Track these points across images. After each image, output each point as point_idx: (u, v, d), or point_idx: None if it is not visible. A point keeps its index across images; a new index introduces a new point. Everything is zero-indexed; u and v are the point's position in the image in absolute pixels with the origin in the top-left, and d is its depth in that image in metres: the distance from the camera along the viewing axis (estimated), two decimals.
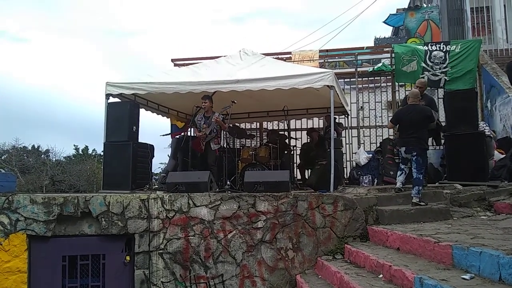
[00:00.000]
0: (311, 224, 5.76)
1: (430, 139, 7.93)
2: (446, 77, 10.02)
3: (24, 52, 74.71)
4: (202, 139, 7.86)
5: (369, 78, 11.64)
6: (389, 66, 11.06)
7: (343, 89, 10.14)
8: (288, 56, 11.75)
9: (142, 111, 8.72)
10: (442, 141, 8.34)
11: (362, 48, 12.08)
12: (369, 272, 4.32)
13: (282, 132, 11.18)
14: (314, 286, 4.75)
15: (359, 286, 3.70)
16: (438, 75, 10.10)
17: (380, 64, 11.36)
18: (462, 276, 3.12)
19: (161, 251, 5.83)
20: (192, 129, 11.12)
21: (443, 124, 8.12)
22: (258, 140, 12.19)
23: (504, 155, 8.01)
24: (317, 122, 11.43)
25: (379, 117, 11.48)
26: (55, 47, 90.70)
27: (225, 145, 8.44)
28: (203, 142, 7.86)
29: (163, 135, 11.12)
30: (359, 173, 9.80)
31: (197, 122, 8.13)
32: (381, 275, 4.00)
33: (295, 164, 10.77)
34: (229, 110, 7.77)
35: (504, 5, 13.30)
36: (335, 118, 8.11)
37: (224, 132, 8.08)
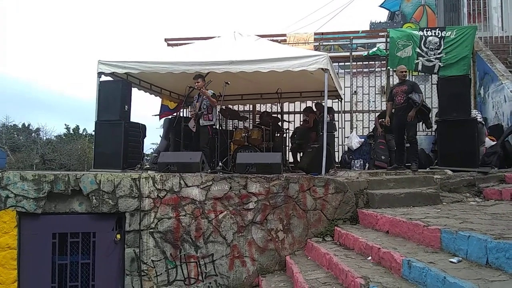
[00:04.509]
0: (301, 206, 5.79)
1: (420, 123, 8.01)
2: (440, 63, 10.04)
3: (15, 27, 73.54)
4: (194, 117, 7.86)
5: (364, 63, 11.63)
6: (384, 50, 11.06)
7: (337, 73, 10.13)
8: (283, 38, 11.70)
9: (134, 91, 8.65)
10: (434, 127, 8.40)
11: (358, 32, 12.03)
12: (358, 254, 4.35)
13: (275, 115, 11.17)
14: (303, 267, 4.78)
15: (348, 268, 3.72)
16: (432, 61, 10.11)
17: (375, 49, 11.35)
18: (450, 260, 3.15)
19: (151, 230, 5.84)
20: (185, 109, 11.09)
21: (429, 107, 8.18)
22: (251, 122, 12.18)
23: (495, 142, 8.06)
24: (310, 106, 11.42)
25: (373, 101, 11.52)
26: (46, 20, 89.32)
27: (217, 127, 8.41)
28: (194, 120, 7.86)
29: (155, 115, 11.08)
30: (350, 157, 9.86)
31: (193, 102, 8.14)
32: (370, 257, 4.04)
33: (287, 147, 10.79)
34: (221, 90, 7.72)
35: None
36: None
37: (217, 112, 8.04)
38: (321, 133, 7.54)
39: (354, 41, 11.88)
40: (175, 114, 10.73)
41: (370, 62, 11.63)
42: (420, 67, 10.28)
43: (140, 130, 8.28)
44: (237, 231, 5.79)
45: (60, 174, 6.04)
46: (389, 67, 10.78)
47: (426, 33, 10.25)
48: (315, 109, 10.21)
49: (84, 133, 29.76)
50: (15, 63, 63.06)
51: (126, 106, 7.77)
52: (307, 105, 11.17)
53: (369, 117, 11.36)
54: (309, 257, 5.32)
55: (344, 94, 10.71)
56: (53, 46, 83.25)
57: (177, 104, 10.85)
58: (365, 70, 11.78)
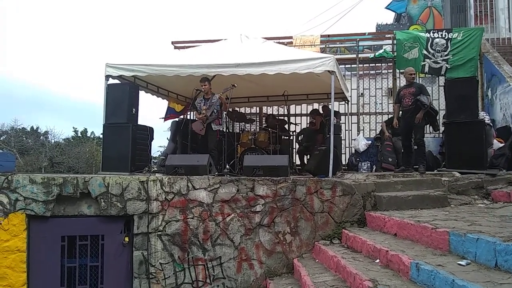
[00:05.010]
0: (309, 208, 5.79)
1: (427, 126, 7.98)
2: (447, 65, 10.01)
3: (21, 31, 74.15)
4: (203, 121, 7.88)
5: (370, 65, 11.61)
6: (391, 52, 11.02)
7: (343, 75, 10.12)
8: (289, 40, 11.70)
9: (142, 94, 8.69)
10: (442, 129, 8.36)
11: (364, 34, 12.02)
12: (366, 257, 4.35)
13: (282, 117, 11.18)
14: (311, 270, 4.78)
15: (355, 270, 3.72)
16: (439, 63, 10.08)
17: (381, 51, 11.33)
18: (458, 262, 3.14)
19: (159, 232, 5.86)
20: (192, 112, 11.10)
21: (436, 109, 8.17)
22: (258, 124, 12.20)
23: (503, 144, 8.02)
24: (317, 108, 11.42)
25: (379, 104, 11.49)
26: (54, 22, 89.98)
27: (225, 129, 8.44)
28: (204, 124, 7.88)
29: (161, 118, 11.10)
30: (357, 159, 9.85)
31: (197, 105, 8.15)
32: (377, 260, 4.03)
33: (294, 149, 10.79)
34: (229, 94, 7.75)
35: None
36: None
37: (225, 115, 8.07)
38: (328, 136, 7.53)
39: (361, 43, 11.86)
40: (181, 116, 10.75)
41: (376, 64, 11.62)
42: (427, 69, 10.26)
43: (148, 132, 8.30)
44: (245, 233, 5.80)
45: (69, 177, 6.08)
46: (397, 69, 10.75)
47: (433, 35, 10.23)
48: (321, 112, 10.21)
49: (92, 136, 29.90)
50: (22, 65, 63.56)
51: (133, 109, 7.80)
52: (314, 108, 11.17)
53: (376, 119, 11.33)
54: (317, 260, 5.32)
55: (350, 96, 10.69)
56: (60, 49, 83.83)
57: (184, 106, 10.88)
58: (371, 72, 11.77)
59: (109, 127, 7.68)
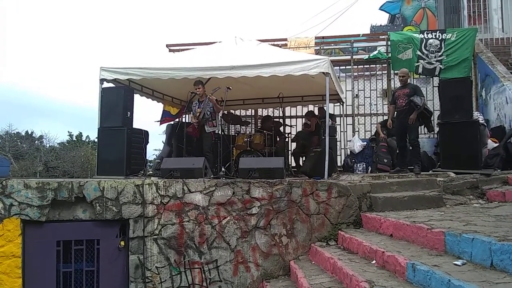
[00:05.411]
0: (305, 210, 5.79)
1: (421, 126, 8.01)
2: (441, 66, 10.03)
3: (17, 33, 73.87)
4: (196, 124, 7.88)
5: (365, 66, 11.63)
6: (385, 54, 11.06)
7: (338, 77, 10.14)
8: (284, 42, 11.71)
9: (136, 97, 8.67)
10: (436, 129, 8.39)
11: (358, 35, 12.04)
12: (362, 258, 4.35)
13: (277, 119, 11.18)
14: (308, 272, 4.78)
15: (352, 272, 3.72)
16: (433, 64, 10.11)
17: (375, 52, 11.35)
18: (454, 262, 3.15)
19: (155, 236, 5.85)
20: (187, 115, 11.10)
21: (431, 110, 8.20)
22: (253, 127, 12.20)
23: (497, 144, 8.05)
24: (312, 110, 11.42)
25: (374, 105, 11.52)
26: (48, 27, 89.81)
27: (220, 132, 8.43)
28: (197, 126, 7.88)
29: (157, 121, 11.08)
30: (353, 160, 9.85)
31: (192, 109, 8.15)
32: (374, 261, 4.03)
33: (289, 151, 10.79)
34: (223, 96, 7.74)
35: None
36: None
37: (220, 118, 8.06)
38: (323, 137, 7.53)
39: (355, 44, 11.89)
40: (177, 120, 10.74)
41: (371, 66, 11.64)
42: (420, 70, 10.29)
43: (143, 136, 8.29)
44: (241, 236, 5.79)
45: (64, 181, 6.06)
46: (393, 70, 10.77)
47: (427, 36, 10.26)
48: (317, 114, 10.22)
49: (87, 140, 29.85)
50: (16, 69, 63.28)
51: (128, 113, 7.78)
52: (309, 109, 11.18)
53: (371, 121, 11.36)
54: (313, 262, 5.32)
55: (345, 98, 10.72)
56: (55, 52, 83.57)
57: (179, 110, 10.86)
58: (366, 73, 11.79)
59: (104, 131, 7.66)
